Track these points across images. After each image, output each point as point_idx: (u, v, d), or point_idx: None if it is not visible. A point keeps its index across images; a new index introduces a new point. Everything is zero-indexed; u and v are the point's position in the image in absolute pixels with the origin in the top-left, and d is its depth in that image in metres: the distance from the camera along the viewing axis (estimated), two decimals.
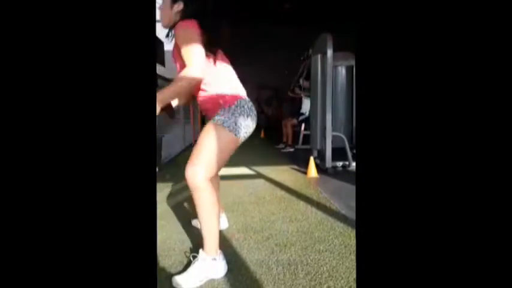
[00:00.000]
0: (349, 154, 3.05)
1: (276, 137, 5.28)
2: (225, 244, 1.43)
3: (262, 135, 6.38)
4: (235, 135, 1.14)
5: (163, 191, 2.35)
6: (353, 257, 1.27)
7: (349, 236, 1.47)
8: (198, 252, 1.16)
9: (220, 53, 1.23)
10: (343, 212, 1.82)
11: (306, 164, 2.91)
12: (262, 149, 4.75)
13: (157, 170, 3.01)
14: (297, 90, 4.77)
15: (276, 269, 1.19)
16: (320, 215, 1.78)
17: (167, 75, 3.66)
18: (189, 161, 1.11)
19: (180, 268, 1.22)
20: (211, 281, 1.13)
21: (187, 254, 1.31)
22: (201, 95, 1.21)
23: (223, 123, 1.13)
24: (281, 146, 4.72)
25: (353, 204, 1.92)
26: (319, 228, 1.59)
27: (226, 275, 1.16)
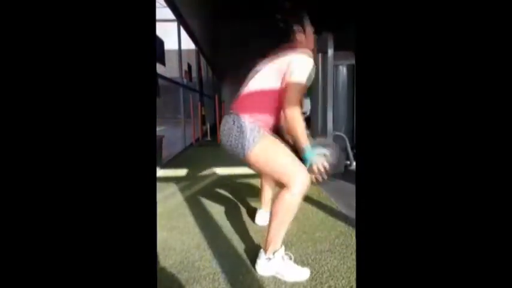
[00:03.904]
0: (350, 154, 3.05)
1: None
2: (226, 244, 1.43)
3: None
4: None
5: (164, 190, 2.35)
6: (354, 256, 1.27)
7: (350, 236, 1.47)
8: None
9: None
10: (344, 211, 1.81)
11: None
12: None
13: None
14: None
15: None
16: (321, 214, 1.78)
17: (167, 75, 3.66)
18: None
19: (180, 268, 1.22)
20: (212, 281, 1.12)
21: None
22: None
23: None
24: None
25: (354, 203, 1.91)
26: (320, 228, 1.58)
27: (227, 275, 1.16)
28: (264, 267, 1.15)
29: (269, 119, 1.21)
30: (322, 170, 1.11)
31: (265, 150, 1.13)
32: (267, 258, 1.15)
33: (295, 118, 1.10)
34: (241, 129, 1.13)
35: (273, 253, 1.14)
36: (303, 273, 1.13)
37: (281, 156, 1.13)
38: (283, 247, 1.17)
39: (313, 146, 1.13)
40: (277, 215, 1.10)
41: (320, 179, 1.13)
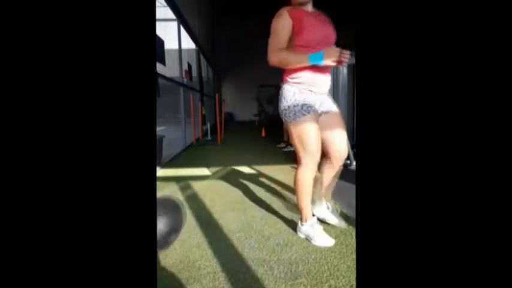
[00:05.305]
0: (351, 153, 3.04)
1: (277, 136, 5.27)
2: (226, 243, 1.43)
3: (263, 134, 6.38)
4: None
5: (164, 190, 2.35)
6: (354, 256, 1.27)
7: (351, 235, 1.47)
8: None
9: None
10: (344, 211, 1.81)
11: None
12: (263, 148, 4.75)
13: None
14: None
15: (277, 268, 1.19)
16: None
17: (168, 74, 3.66)
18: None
19: (180, 267, 1.22)
20: (213, 280, 1.13)
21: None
22: None
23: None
24: (282, 145, 4.71)
25: (354, 203, 1.91)
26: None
27: (228, 273, 1.16)
28: (299, 230, 1.49)
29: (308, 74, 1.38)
30: (338, 55, 1.26)
31: (300, 127, 1.36)
32: (301, 224, 1.47)
33: (278, 62, 1.31)
34: (295, 102, 1.36)
35: (306, 220, 1.45)
36: (328, 241, 1.39)
37: (307, 137, 1.36)
38: (315, 217, 1.48)
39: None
40: (297, 187, 1.47)
41: (345, 58, 1.30)
